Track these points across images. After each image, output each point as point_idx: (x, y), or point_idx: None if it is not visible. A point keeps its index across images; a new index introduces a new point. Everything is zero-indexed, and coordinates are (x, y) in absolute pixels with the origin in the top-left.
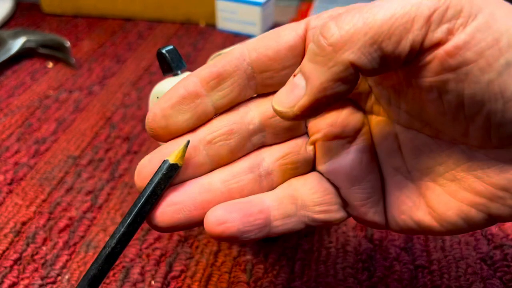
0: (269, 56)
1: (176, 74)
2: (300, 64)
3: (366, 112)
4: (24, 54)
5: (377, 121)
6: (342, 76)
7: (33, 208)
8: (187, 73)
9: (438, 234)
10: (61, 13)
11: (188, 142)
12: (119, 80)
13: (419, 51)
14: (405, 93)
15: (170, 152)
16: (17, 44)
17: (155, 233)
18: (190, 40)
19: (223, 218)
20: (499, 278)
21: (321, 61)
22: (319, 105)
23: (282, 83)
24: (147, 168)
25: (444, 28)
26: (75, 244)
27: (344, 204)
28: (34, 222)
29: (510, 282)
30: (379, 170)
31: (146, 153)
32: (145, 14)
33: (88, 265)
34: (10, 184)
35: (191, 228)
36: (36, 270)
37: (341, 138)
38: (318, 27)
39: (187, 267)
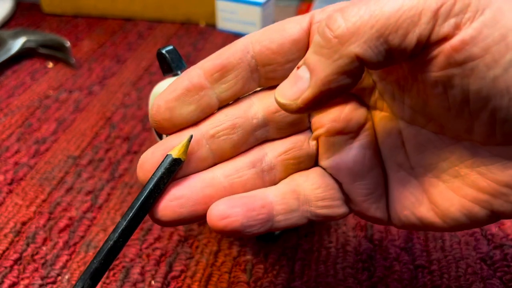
0: (272, 49)
1: (176, 74)
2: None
3: (369, 108)
4: (24, 54)
5: (381, 116)
6: (347, 69)
7: (33, 208)
8: None
9: (440, 230)
10: (61, 13)
11: (191, 136)
12: (119, 80)
13: (426, 45)
14: (409, 88)
15: (173, 145)
16: (17, 44)
17: (155, 233)
18: (190, 40)
19: (226, 213)
20: (499, 278)
21: (327, 53)
22: (323, 98)
23: (285, 77)
24: (149, 161)
25: (451, 22)
26: (75, 244)
27: (347, 199)
28: (34, 222)
29: (510, 282)
30: (382, 166)
31: None
32: (145, 14)
33: None
34: (10, 184)
35: (194, 222)
36: (36, 270)
37: (344, 134)
38: (323, 20)
39: (187, 267)
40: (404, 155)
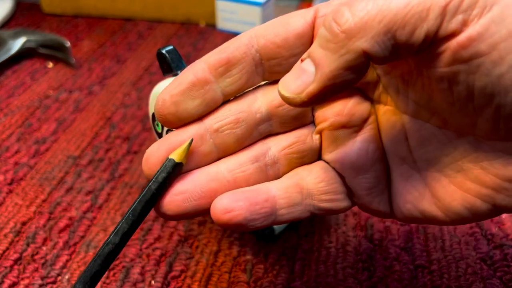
0: (277, 43)
1: (176, 75)
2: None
3: (373, 102)
4: (24, 54)
5: (385, 110)
6: (354, 64)
7: (33, 208)
8: None
9: (442, 224)
10: (61, 13)
11: (192, 140)
12: (119, 80)
13: (433, 41)
14: (414, 82)
15: (178, 140)
16: (17, 44)
17: (155, 233)
18: (190, 40)
19: (230, 207)
20: (499, 278)
21: (333, 48)
22: (328, 92)
23: (289, 71)
24: (154, 156)
25: (459, 18)
26: (75, 244)
27: (349, 192)
28: (34, 222)
29: (510, 282)
30: (385, 160)
31: None
32: (145, 14)
33: None
34: (10, 184)
35: (199, 216)
36: (36, 270)
37: (348, 127)
38: (329, 13)
39: (187, 267)
40: (407, 149)
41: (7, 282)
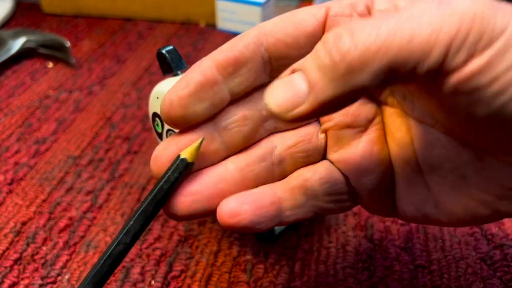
0: (287, 43)
1: (176, 75)
2: None
3: (379, 103)
4: (24, 54)
5: (391, 112)
6: (350, 96)
7: (33, 208)
8: None
9: (444, 226)
10: (61, 13)
11: (203, 139)
12: (119, 80)
13: (434, 75)
14: (418, 96)
15: (186, 141)
16: (17, 44)
17: (155, 233)
18: (190, 40)
19: (236, 211)
20: (499, 278)
21: (331, 76)
22: (318, 113)
23: None
24: (163, 156)
25: (463, 54)
26: (75, 244)
27: (353, 193)
28: (34, 222)
29: (510, 282)
30: (390, 161)
31: (146, 153)
32: (145, 14)
33: (89, 265)
34: (10, 184)
35: (207, 216)
36: (36, 270)
37: (353, 128)
38: (330, 34)
39: (187, 267)
40: (412, 152)
41: (7, 282)
